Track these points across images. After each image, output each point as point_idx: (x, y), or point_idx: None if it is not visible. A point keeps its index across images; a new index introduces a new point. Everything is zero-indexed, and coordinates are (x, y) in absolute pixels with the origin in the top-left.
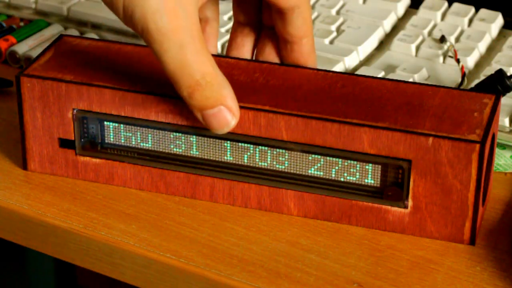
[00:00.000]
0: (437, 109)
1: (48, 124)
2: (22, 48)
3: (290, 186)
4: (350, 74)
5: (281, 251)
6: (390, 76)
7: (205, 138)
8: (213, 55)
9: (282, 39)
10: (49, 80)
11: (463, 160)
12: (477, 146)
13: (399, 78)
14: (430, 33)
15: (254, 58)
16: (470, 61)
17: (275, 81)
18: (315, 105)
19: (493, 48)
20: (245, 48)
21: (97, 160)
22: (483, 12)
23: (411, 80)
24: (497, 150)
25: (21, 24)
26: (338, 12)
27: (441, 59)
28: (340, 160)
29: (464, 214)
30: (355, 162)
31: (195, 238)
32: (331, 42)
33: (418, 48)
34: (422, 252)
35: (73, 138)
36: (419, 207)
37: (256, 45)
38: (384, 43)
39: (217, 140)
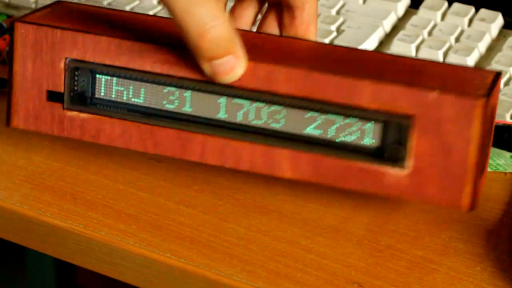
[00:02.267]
0: (440, 74)
1: (38, 75)
2: None
3: (286, 145)
4: (348, 47)
5: (281, 251)
6: None
7: (199, 93)
8: None
9: (285, 4)
10: (44, 26)
11: (466, 117)
12: (480, 101)
13: None
14: (430, 33)
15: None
16: (470, 61)
17: (271, 45)
18: (315, 62)
19: (493, 48)
20: (243, 19)
21: (85, 115)
22: (483, 12)
23: None
24: (497, 150)
25: None
26: (338, 12)
27: (441, 59)
28: (338, 117)
29: (465, 177)
30: (354, 120)
31: (195, 238)
32: (331, 42)
33: (418, 48)
34: (422, 252)
35: (62, 91)
36: (419, 168)
37: (257, 19)
38: (384, 43)
39: (212, 96)
